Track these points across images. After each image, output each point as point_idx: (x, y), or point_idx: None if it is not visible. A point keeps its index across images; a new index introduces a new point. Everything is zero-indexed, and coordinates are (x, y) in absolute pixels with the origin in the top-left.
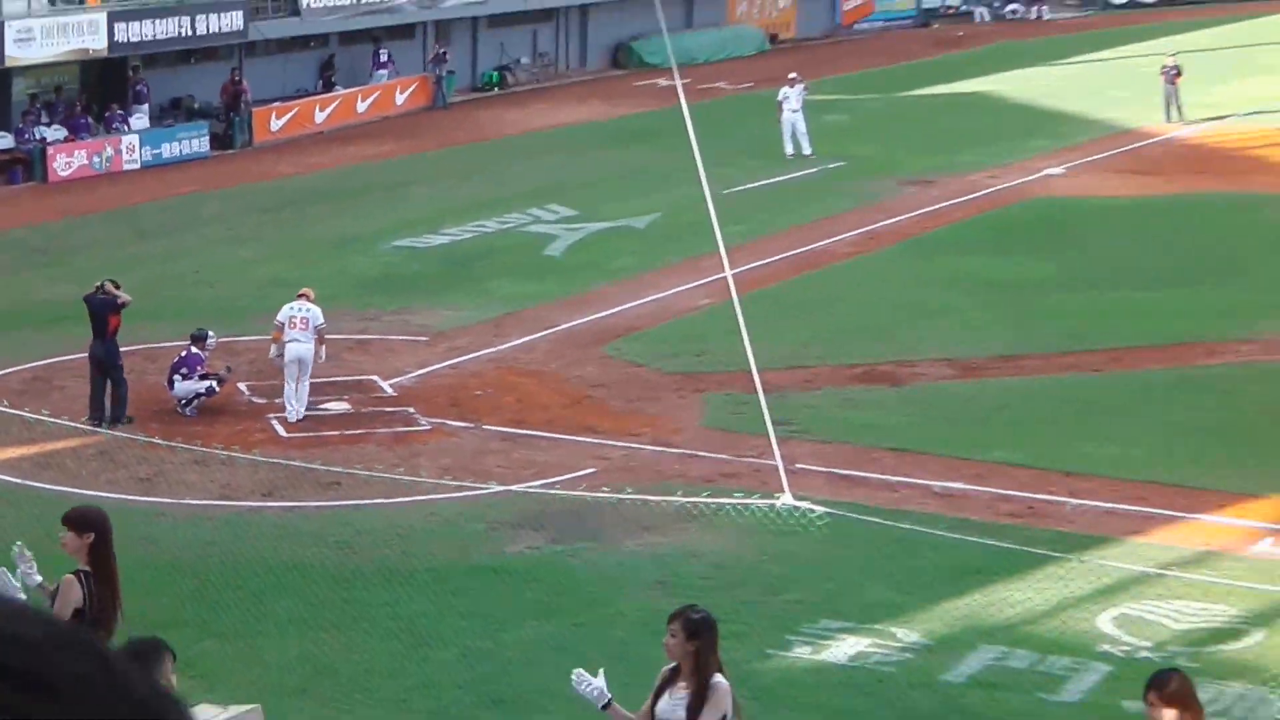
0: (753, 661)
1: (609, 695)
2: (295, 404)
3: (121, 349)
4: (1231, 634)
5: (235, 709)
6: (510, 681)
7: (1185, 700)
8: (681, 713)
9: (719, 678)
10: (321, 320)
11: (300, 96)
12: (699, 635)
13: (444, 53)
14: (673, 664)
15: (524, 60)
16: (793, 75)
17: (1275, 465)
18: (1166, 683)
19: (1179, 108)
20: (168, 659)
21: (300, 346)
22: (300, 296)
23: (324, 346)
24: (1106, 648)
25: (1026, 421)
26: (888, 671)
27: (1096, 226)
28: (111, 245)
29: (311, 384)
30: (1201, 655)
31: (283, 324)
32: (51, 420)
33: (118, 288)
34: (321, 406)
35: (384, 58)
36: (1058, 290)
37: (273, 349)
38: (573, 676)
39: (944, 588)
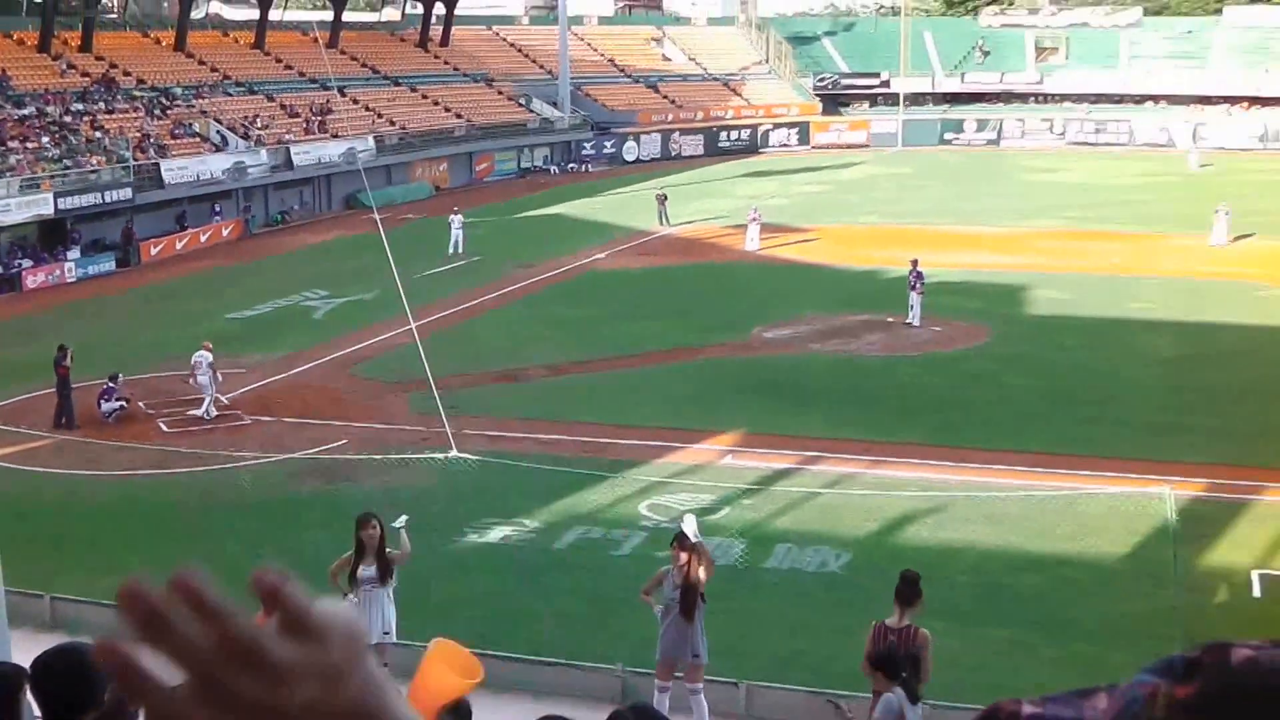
0: (445, 544)
1: None
2: (208, 409)
3: (74, 385)
4: (711, 509)
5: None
6: (307, 565)
7: (697, 547)
8: (375, 572)
9: (390, 551)
10: (209, 359)
11: (167, 234)
12: (383, 529)
13: (249, 205)
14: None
15: (296, 207)
16: (456, 208)
17: (728, 413)
18: (684, 537)
19: (666, 217)
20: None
21: (203, 378)
22: (203, 348)
23: (219, 375)
24: (645, 523)
25: (595, 398)
26: (522, 544)
27: (625, 286)
28: (61, 327)
29: (179, 399)
30: (696, 522)
31: (194, 364)
32: (30, 431)
33: (66, 349)
34: (189, 413)
35: (217, 209)
36: (606, 323)
37: (190, 379)
38: None
39: (551, 496)
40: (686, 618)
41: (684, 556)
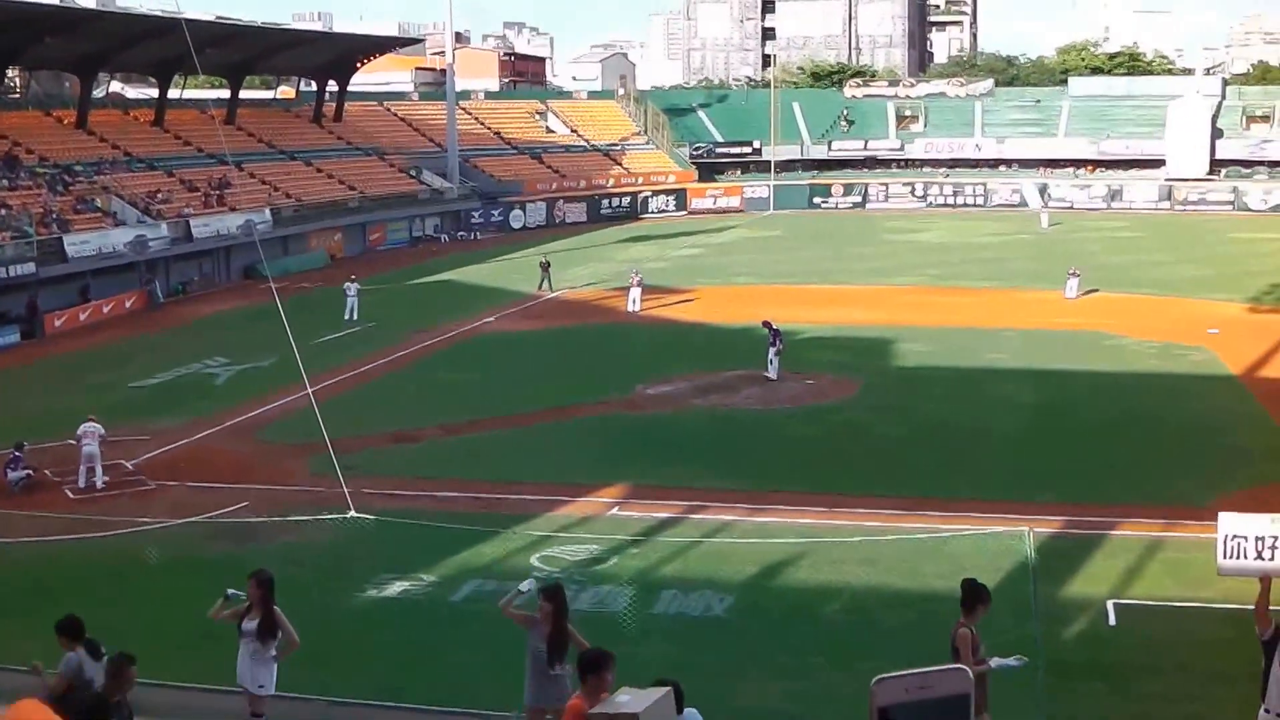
0: (346, 600)
1: None
2: (92, 478)
3: None
4: (600, 560)
5: (653, 691)
6: (216, 625)
7: (558, 599)
8: (255, 628)
9: (276, 609)
10: (102, 431)
11: (70, 307)
12: (264, 587)
13: (152, 277)
14: (248, 604)
15: (196, 278)
16: (352, 276)
17: (615, 467)
18: (545, 591)
19: (549, 283)
20: (608, 668)
21: (89, 449)
22: (89, 419)
23: (104, 447)
24: (536, 574)
25: (487, 456)
26: (419, 598)
27: (514, 349)
28: None
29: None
30: (586, 572)
31: (80, 435)
32: None
33: None
34: (92, 480)
35: (147, 278)
36: (496, 384)
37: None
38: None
39: (447, 551)
40: (552, 667)
41: (549, 607)
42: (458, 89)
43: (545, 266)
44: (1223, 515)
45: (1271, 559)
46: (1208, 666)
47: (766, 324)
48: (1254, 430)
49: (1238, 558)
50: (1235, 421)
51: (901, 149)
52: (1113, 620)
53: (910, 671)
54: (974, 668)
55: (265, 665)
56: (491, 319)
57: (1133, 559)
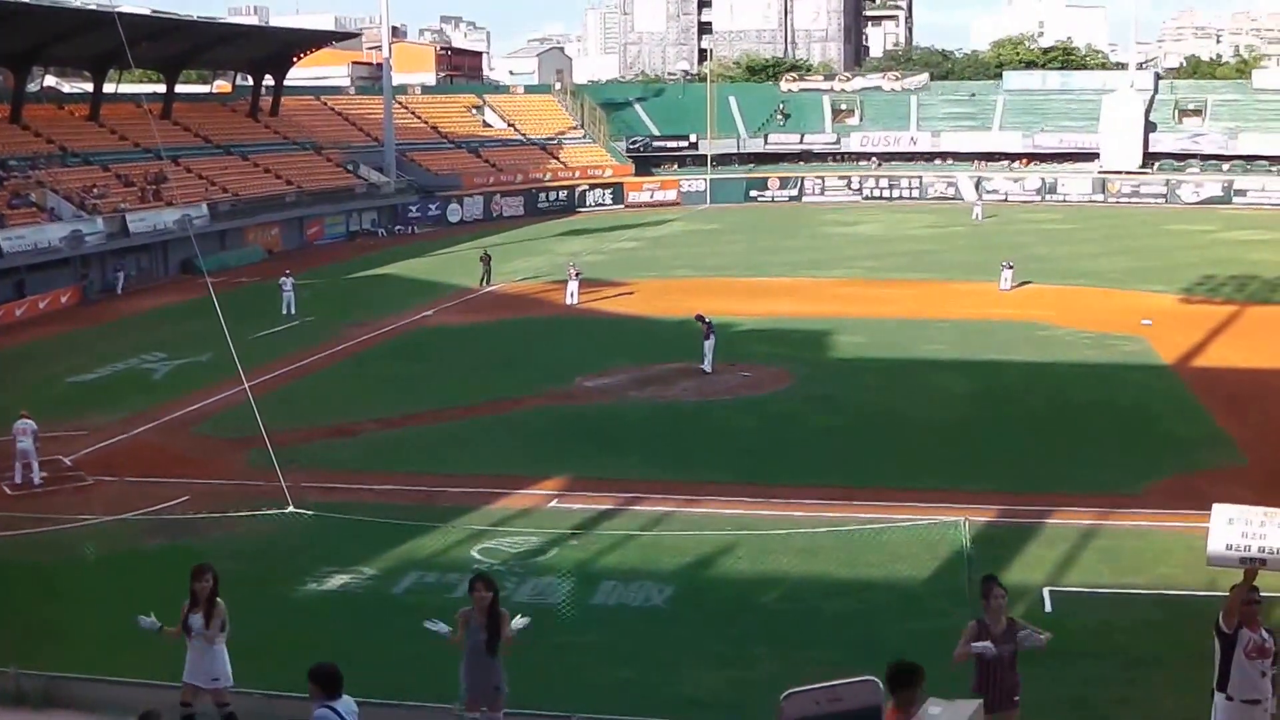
0: (289, 593)
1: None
2: (29, 474)
3: None
4: (540, 551)
5: (963, 703)
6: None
7: (495, 586)
8: (201, 622)
9: (219, 601)
10: (35, 427)
11: (5, 302)
12: (216, 580)
13: (87, 272)
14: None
15: (133, 273)
16: (287, 271)
17: (554, 459)
18: (483, 578)
19: (489, 277)
20: (920, 681)
21: (24, 445)
22: (22, 416)
23: (38, 443)
24: (476, 566)
25: (426, 449)
26: (359, 591)
27: (452, 342)
28: None
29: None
30: (525, 563)
31: (14, 432)
32: None
33: None
34: (29, 476)
35: (118, 268)
36: (435, 377)
37: (14, 444)
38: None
39: (387, 544)
40: (491, 655)
41: (488, 596)
42: (394, 83)
43: (486, 260)
44: (1217, 506)
45: (1260, 552)
46: (1141, 651)
47: (699, 317)
48: (1186, 419)
49: (1228, 549)
50: (1168, 410)
51: (837, 142)
52: (1049, 607)
53: (820, 685)
54: (961, 651)
55: (219, 655)
56: (430, 313)
57: (1067, 547)
